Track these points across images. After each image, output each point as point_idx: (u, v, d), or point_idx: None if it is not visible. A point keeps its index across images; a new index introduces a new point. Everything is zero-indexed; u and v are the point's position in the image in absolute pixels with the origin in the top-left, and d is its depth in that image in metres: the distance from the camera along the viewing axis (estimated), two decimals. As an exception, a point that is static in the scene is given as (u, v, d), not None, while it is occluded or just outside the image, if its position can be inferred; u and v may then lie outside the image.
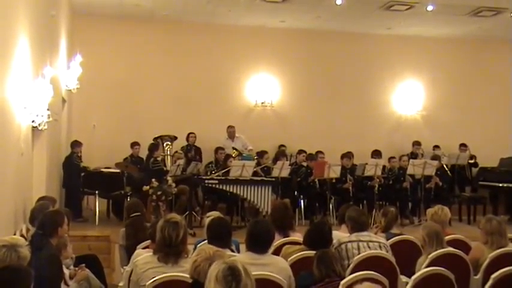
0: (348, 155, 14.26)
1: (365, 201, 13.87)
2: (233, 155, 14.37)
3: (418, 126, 17.68)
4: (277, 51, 16.92)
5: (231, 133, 15.60)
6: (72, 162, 12.91)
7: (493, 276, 5.55)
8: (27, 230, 7.47)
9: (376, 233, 7.14)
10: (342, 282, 4.95)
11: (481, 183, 15.89)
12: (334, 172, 13.24)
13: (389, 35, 17.28)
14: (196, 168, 13.20)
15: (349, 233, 6.43)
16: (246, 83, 16.81)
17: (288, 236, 6.98)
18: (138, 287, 5.20)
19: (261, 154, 14.18)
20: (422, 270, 5.59)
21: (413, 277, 5.39)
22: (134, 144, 14.09)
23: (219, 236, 6.00)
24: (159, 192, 11.90)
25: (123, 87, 15.75)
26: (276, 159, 14.25)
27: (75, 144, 13.12)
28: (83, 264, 6.66)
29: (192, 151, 14.97)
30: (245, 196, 12.30)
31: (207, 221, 6.57)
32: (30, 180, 9.16)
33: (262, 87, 16.82)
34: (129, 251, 7.41)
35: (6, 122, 6.97)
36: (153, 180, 12.01)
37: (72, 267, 6.76)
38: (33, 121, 8.02)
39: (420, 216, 13.72)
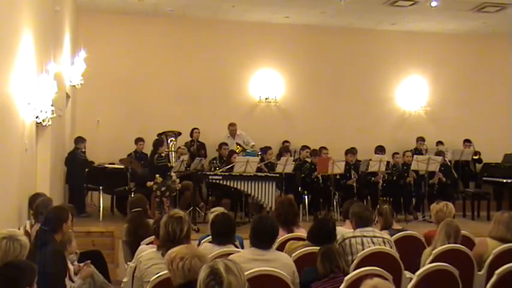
0: (352, 151, 14.25)
1: (369, 197, 13.89)
2: (237, 151, 14.39)
3: (422, 122, 17.66)
4: (281, 47, 16.90)
5: (232, 131, 15.59)
6: (76, 157, 12.90)
7: (497, 272, 5.53)
8: (31, 225, 7.48)
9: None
10: (346, 278, 4.95)
11: (485, 179, 15.88)
12: (338, 168, 13.25)
13: (393, 30, 17.26)
14: (200, 164, 13.21)
15: (353, 228, 6.43)
16: (250, 79, 16.79)
17: (292, 232, 6.98)
18: (142, 283, 5.20)
19: (265, 150, 14.20)
20: (426, 266, 5.59)
21: (417, 273, 5.38)
22: (138, 140, 14.08)
23: (223, 232, 6.02)
24: (163, 188, 11.91)
25: (127, 83, 15.75)
26: (280, 155, 14.26)
27: (79, 140, 13.13)
28: (89, 261, 6.66)
29: (195, 147, 14.96)
30: (249, 192, 12.33)
31: (211, 216, 6.59)
32: (34, 176, 9.19)
33: (266, 83, 16.80)
34: (132, 246, 7.41)
35: (10, 118, 6.99)
36: (157, 176, 12.01)
37: (76, 262, 6.77)
38: (37, 117, 8.05)
39: (424, 211, 13.74)
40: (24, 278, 4.13)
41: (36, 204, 7.52)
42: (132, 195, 12.29)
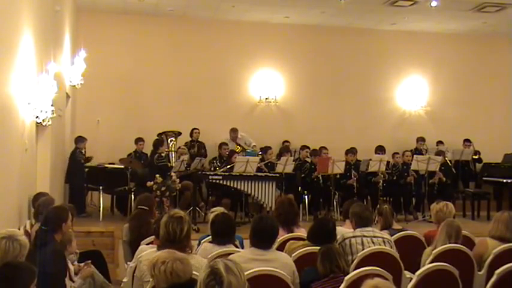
0: (352, 151, 14.25)
1: (369, 197, 13.89)
2: (237, 151, 14.38)
3: (422, 122, 17.67)
4: (281, 46, 16.90)
5: (233, 138, 15.60)
6: (75, 158, 12.93)
7: (497, 271, 5.54)
8: (31, 225, 7.48)
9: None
10: (346, 277, 4.95)
11: (485, 178, 15.88)
12: (339, 168, 13.25)
13: (393, 30, 17.26)
14: (200, 163, 13.21)
15: (353, 228, 6.44)
16: (250, 79, 16.79)
17: (292, 232, 6.99)
18: (142, 283, 5.20)
19: (265, 150, 14.20)
20: (426, 266, 5.59)
21: (417, 273, 5.38)
22: (138, 140, 14.09)
23: (223, 232, 6.03)
24: (163, 188, 11.91)
25: (127, 83, 15.75)
26: (280, 155, 14.26)
27: (79, 139, 13.14)
28: (89, 261, 6.67)
29: (195, 147, 14.97)
30: (249, 192, 12.33)
31: (211, 216, 6.60)
32: (34, 176, 9.18)
33: (266, 83, 16.80)
34: (132, 246, 7.42)
35: (11, 118, 6.99)
36: (157, 176, 12.01)
37: (76, 262, 6.78)
38: (37, 117, 8.04)
39: (424, 211, 13.75)
40: (22, 278, 4.13)
41: (37, 203, 7.53)
42: (133, 195, 12.31)
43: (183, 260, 4.12)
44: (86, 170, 13.17)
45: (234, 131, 15.61)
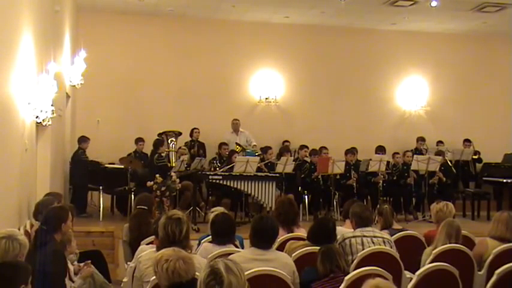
0: (352, 151, 14.25)
1: (369, 197, 13.88)
2: (237, 151, 14.38)
3: (422, 122, 17.66)
4: (281, 46, 16.90)
5: (235, 125, 15.58)
6: (79, 158, 12.94)
7: (497, 271, 5.54)
8: (31, 225, 7.48)
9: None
10: (346, 277, 4.95)
11: (485, 178, 15.89)
12: (339, 168, 13.25)
13: (393, 30, 17.25)
14: (200, 163, 13.21)
15: (353, 228, 6.44)
16: (250, 79, 16.78)
17: (292, 232, 7.00)
18: (142, 283, 5.20)
19: (265, 150, 14.19)
20: (426, 266, 5.59)
21: (417, 273, 5.39)
22: (139, 140, 14.09)
23: (223, 232, 6.04)
24: (163, 188, 11.91)
25: (127, 83, 15.74)
26: (280, 155, 14.26)
27: (82, 139, 13.17)
28: (89, 261, 6.66)
29: (195, 147, 14.97)
30: (249, 192, 12.32)
31: (211, 216, 6.59)
32: (34, 176, 9.18)
33: (266, 83, 16.79)
34: (132, 246, 7.42)
35: (11, 118, 6.99)
36: (157, 175, 12.01)
37: (76, 262, 6.77)
38: (37, 117, 8.04)
39: (424, 211, 13.75)
40: (19, 276, 4.14)
41: (37, 203, 7.53)
42: (133, 195, 12.31)
43: (187, 259, 4.11)
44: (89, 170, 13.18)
45: (236, 119, 15.60)
